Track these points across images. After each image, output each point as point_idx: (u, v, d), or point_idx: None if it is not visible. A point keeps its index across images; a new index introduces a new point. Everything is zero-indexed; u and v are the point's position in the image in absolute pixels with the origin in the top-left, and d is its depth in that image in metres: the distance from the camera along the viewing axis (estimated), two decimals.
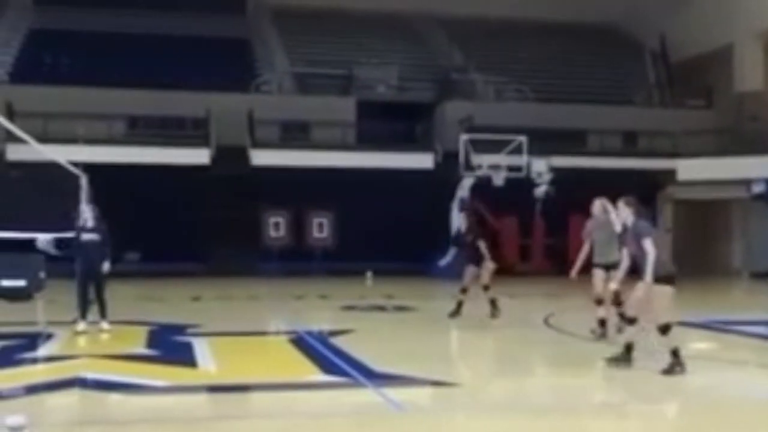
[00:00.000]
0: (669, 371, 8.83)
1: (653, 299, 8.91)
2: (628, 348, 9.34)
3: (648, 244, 8.92)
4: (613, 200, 10.48)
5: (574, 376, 9.41)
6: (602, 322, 11.63)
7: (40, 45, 28.51)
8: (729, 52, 29.23)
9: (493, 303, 13.81)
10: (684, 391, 8.62)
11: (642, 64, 32.57)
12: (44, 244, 13.55)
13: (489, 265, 13.89)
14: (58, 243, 13.24)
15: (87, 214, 12.16)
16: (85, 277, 11.99)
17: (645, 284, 8.89)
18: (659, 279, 8.89)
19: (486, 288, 13.94)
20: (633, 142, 28.72)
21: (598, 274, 11.58)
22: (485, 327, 13.26)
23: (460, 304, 13.99)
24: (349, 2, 33.02)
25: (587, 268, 11.75)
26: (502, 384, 9.38)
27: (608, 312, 11.53)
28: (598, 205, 11.87)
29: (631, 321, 9.42)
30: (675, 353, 8.89)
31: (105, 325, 12.03)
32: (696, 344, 11.83)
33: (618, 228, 10.77)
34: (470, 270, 14.07)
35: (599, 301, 11.66)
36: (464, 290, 14.05)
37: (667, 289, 8.91)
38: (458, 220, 23.13)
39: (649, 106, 30.54)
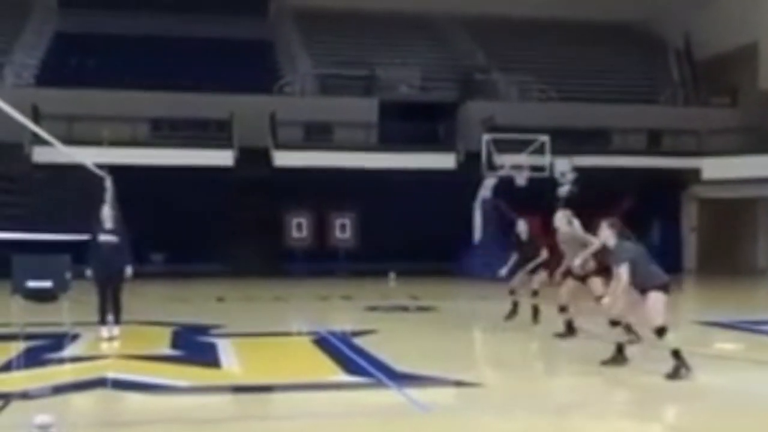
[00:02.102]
0: (673, 375, 8.64)
1: (647, 304, 8.81)
2: (620, 348, 9.36)
3: (620, 270, 8.76)
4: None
5: (597, 377, 9.36)
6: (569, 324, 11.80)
7: (66, 48, 28.76)
8: (753, 50, 28.97)
9: (535, 309, 13.35)
10: (706, 391, 8.56)
11: (666, 63, 32.36)
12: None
13: (543, 274, 13.41)
14: None
15: (106, 214, 11.87)
16: (100, 279, 11.61)
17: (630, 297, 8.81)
18: (654, 287, 8.81)
19: (535, 293, 13.45)
20: (657, 141, 28.53)
21: (570, 284, 11.64)
22: (508, 327, 13.22)
23: (515, 305, 13.60)
24: (371, 3, 33.01)
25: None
26: (525, 384, 9.35)
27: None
28: (560, 217, 11.67)
29: (615, 323, 9.40)
30: (677, 355, 8.70)
31: (116, 331, 11.56)
32: (720, 344, 11.75)
33: (594, 246, 10.63)
34: (540, 275, 13.44)
35: (562, 309, 11.83)
36: (513, 291, 13.66)
37: (660, 295, 8.79)
38: (489, 222, 23.01)
39: (673, 104, 30.30)
